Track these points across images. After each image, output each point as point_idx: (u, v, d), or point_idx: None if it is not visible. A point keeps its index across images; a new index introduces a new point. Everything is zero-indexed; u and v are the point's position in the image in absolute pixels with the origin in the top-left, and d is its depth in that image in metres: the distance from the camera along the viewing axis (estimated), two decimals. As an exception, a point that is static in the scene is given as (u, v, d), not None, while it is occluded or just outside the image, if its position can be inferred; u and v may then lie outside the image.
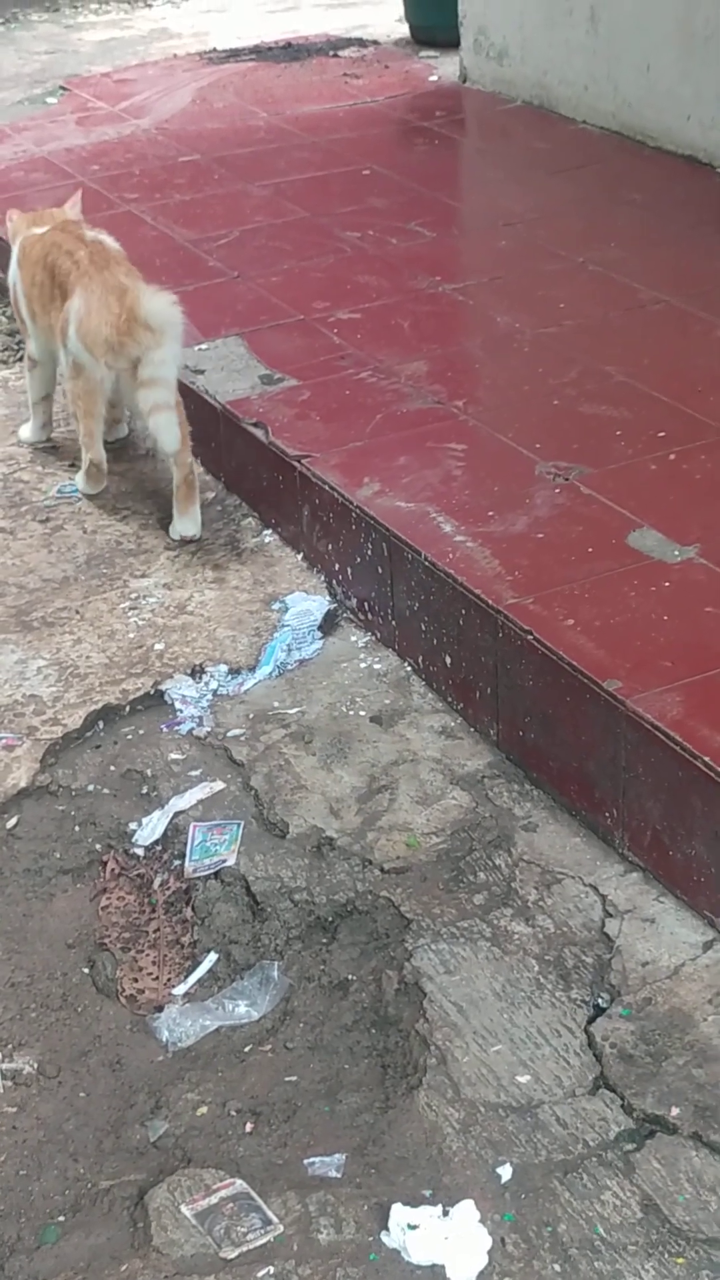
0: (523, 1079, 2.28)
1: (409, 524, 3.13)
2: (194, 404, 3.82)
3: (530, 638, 2.75)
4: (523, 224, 4.76)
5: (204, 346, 4.00)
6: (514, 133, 5.65)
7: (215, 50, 7.26)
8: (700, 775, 2.41)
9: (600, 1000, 2.41)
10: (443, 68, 6.44)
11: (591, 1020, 2.38)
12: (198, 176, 5.34)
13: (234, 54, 7.04)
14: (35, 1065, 2.44)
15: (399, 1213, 2.09)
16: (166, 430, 3.51)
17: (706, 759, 2.40)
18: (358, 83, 6.36)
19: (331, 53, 6.86)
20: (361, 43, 7.04)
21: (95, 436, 3.69)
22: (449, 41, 6.34)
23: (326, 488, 3.32)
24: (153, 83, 6.60)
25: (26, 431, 4.11)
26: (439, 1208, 2.09)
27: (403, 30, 7.13)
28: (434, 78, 6.38)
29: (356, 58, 6.80)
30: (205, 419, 3.79)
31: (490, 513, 3.14)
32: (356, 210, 4.90)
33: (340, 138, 5.65)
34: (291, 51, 6.91)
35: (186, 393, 3.83)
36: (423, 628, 3.08)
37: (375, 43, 7.06)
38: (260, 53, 6.98)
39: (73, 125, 6.06)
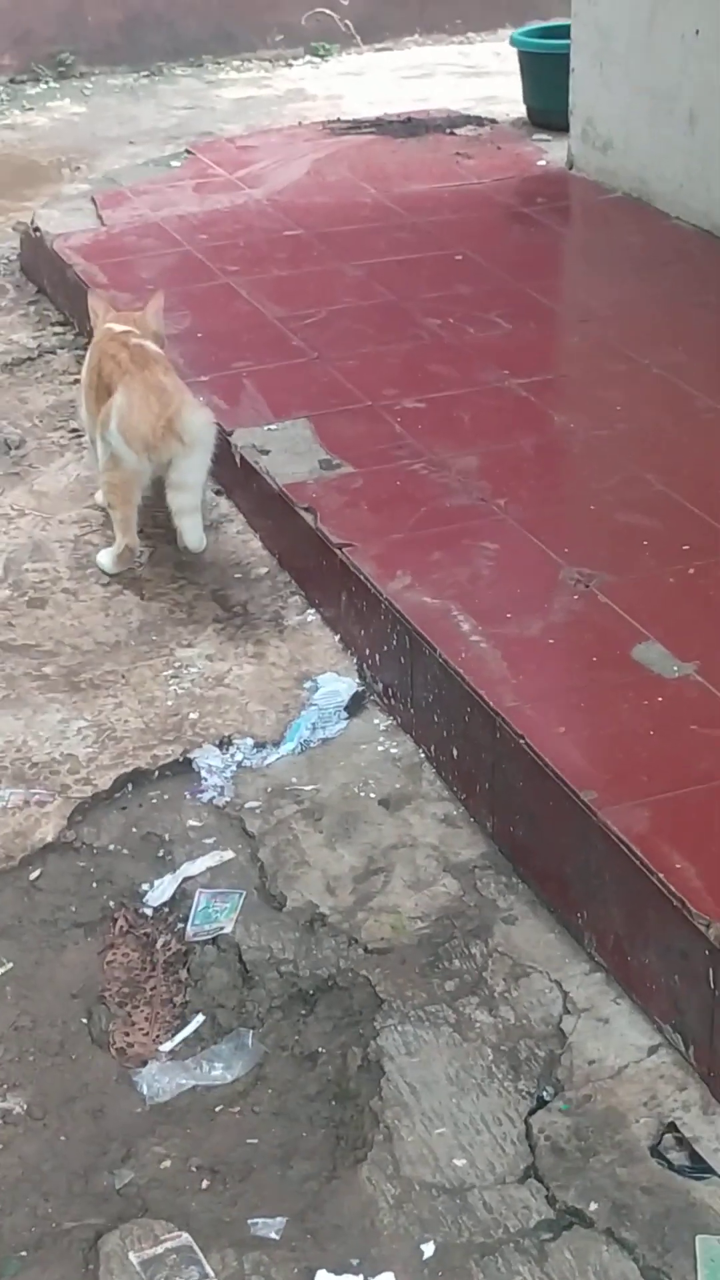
0: (459, 1162, 2.45)
1: (430, 620, 3.31)
2: (255, 483, 4.05)
3: (522, 742, 2.92)
4: (598, 320, 4.93)
5: (273, 427, 4.22)
6: (609, 224, 5.82)
7: (339, 120, 7.51)
8: (655, 891, 2.57)
9: (545, 1093, 2.56)
10: (553, 152, 6.63)
11: (533, 1112, 2.53)
12: (298, 252, 5.57)
13: (355, 125, 7.28)
14: (25, 1106, 2.64)
15: (324, 1278, 2.26)
16: (190, 533, 3.93)
17: (661, 876, 2.56)
18: (468, 163, 6.56)
19: (448, 130, 7.07)
20: (479, 121, 7.24)
21: (130, 523, 3.96)
22: (562, 126, 6.52)
23: (362, 577, 3.51)
24: (273, 151, 6.85)
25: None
26: (361, 1277, 2.27)
27: (524, 108, 7.33)
28: (542, 162, 6.57)
29: (472, 136, 7.00)
30: (265, 497, 4.01)
31: (508, 614, 3.32)
32: (442, 297, 5.09)
33: (441, 220, 5.85)
34: (410, 127, 7.13)
35: (249, 470, 4.05)
36: (436, 718, 3.27)
37: (493, 121, 7.26)
38: (380, 126, 7.21)
39: (190, 191, 6.32)
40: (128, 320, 4.10)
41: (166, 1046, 2.75)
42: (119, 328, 4.04)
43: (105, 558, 4.03)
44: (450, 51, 9.86)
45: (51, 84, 9.30)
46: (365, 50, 9.89)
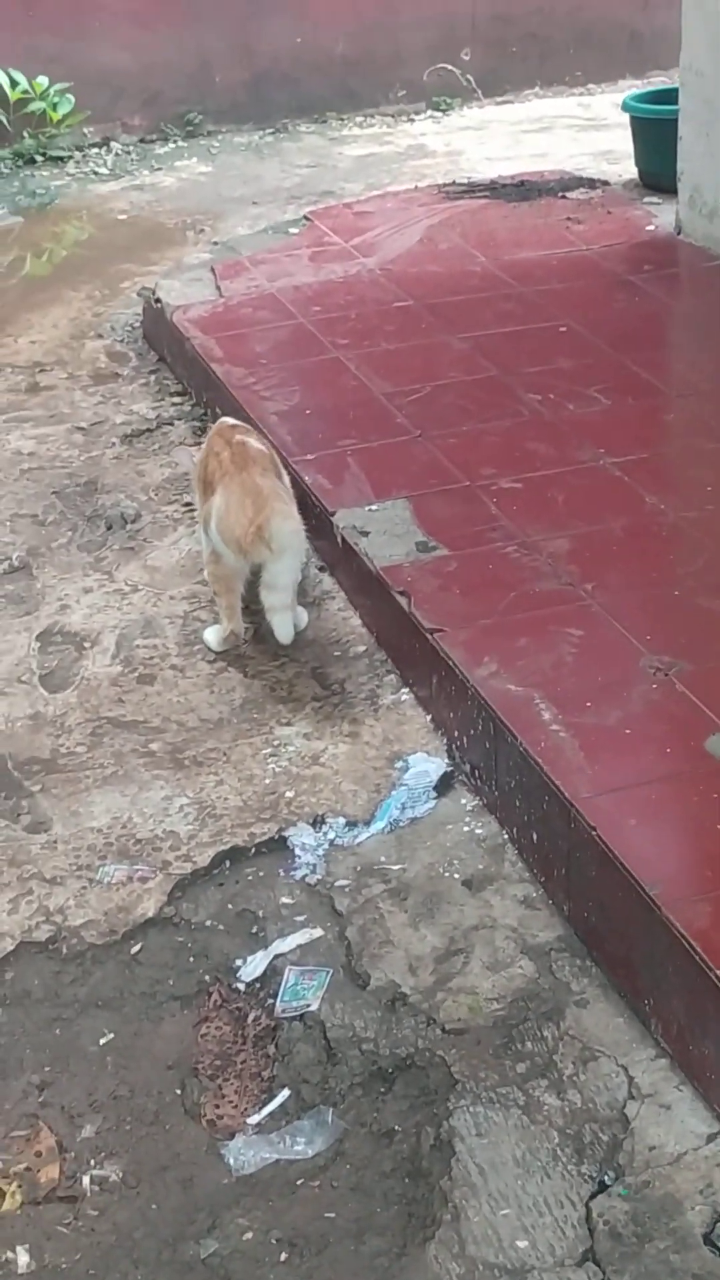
0: (522, 1244, 2.60)
1: (513, 708, 3.46)
2: (355, 563, 4.22)
3: (595, 834, 3.06)
4: (696, 395, 5.05)
5: (374, 508, 4.39)
6: (713, 293, 5.92)
7: (454, 184, 7.67)
8: (713, 986, 2.69)
9: (606, 1178, 2.70)
10: (662, 216, 6.74)
11: (594, 1196, 2.67)
12: (406, 324, 5.74)
13: (470, 189, 7.44)
14: (120, 1174, 2.83)
15: None
16: (281, 629, 4.08)
17: (719, 973, 2.69)
18: (578, 228, 6.69)
19: (561, 193, 7.20)
20: (592, 184, 7.37)
21: (234, 610, 4.18)
22: (673, 189, 6.62)
23: (451, 662, 3.67)
24: (388, 217, 7.03)
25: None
26: None
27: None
28: (651, 227, 6.68)
29: (583, 200, 7.13)
30: (364, 578, 4.19)
31: (588, 703, 3.46)
32: (543, 371, 5.23)
33: (547, 289, 5.99)
34: (523, 190, 7.28)
35: (350, 550, 4.23)
36: (517, 803, 3.42)
37: (605, 183, 7.39)
38: (495, 190, 7.37)
39: (305, 261, 6.52)
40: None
41: (254, 1119, 2.92)
42: (231, 420, 4.21)
43: (211, 637, 4.23)
44: (570, 104, 9.99)
45: (180, 143, 9.57)
46: (486, 104, 10.06)
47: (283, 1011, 3.13)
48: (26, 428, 5.66)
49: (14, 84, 9.04)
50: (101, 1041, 3.11)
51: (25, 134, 9.17)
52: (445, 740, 3.78)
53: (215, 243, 7.51)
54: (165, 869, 3.49)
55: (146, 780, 3.76)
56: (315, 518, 4.41)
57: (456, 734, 3.71)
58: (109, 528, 4.87)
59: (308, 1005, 3.12)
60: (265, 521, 3.93)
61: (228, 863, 3.52)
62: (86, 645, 4.29)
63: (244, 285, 6.27)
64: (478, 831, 3.55)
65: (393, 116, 9.93)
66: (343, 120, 9.90)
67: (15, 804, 3.70)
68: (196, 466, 4.36)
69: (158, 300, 6.24)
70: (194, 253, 7.37)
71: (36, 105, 9.10)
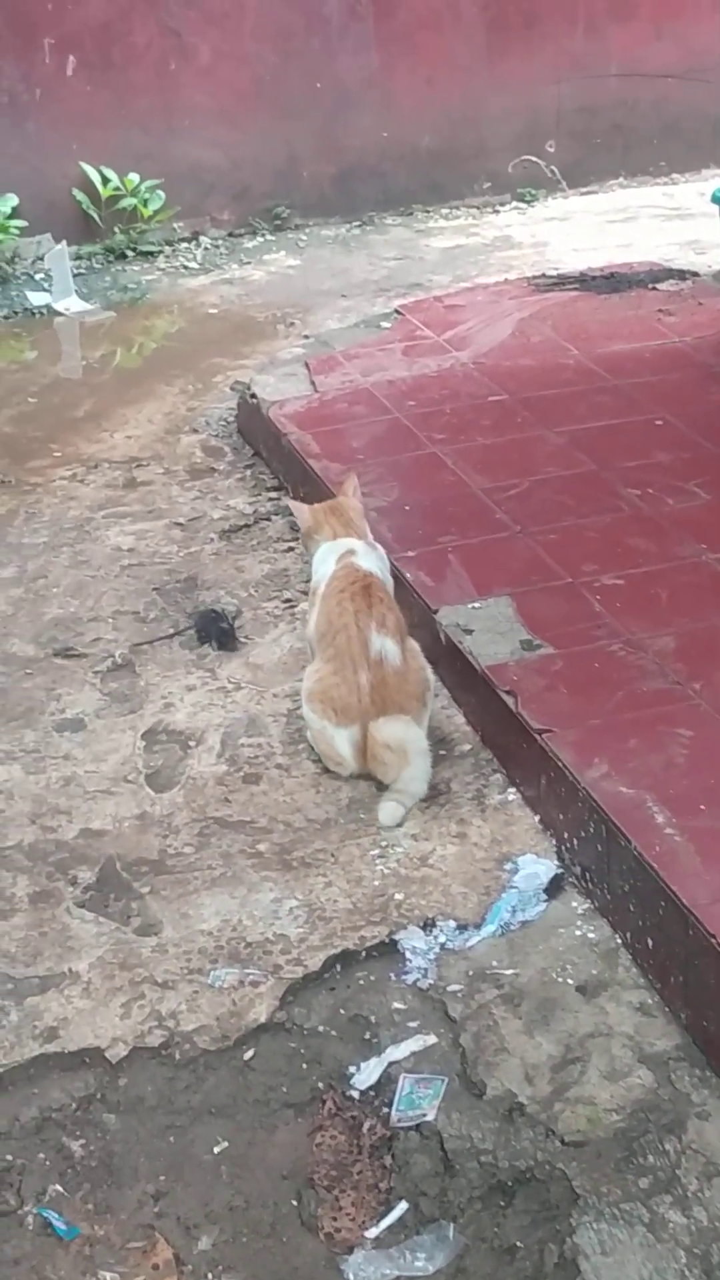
0: None
1: (625, 811, 3.44)
2: (459, 661, 4.22)
3: (714, 941, 3.02)
4: None
5: (476, 605, 4.40)
6: None
7: (543, 276, 7.73)
8: None
9: (735, 1299, 2.65)
10: (753, 306, 6.76)
11: (723, 1317, 2.62)
12: (502, 419, 5.77)
13: (560, 282, 7.49)
14: (238, 1288, 2.81)
15: None
16: (389, 811, 3.95)
17: None
18: (669, 320, 6.72)
19: (651, 285, 7.24)
20: (681, 275, 7.40)
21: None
22: (764, 278, 6.65)
23: (561, 764, 3.66)
24: (479, 310, 7.09)
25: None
26: None
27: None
28: (743, 317, 6.70)
29: (673, 291, 7.16)
30: (468, 676, 4.19)
31: (701, 805, 3.43)
32: (641, 465, 5.24)
33: (641, 382, 6.01)
34: (613, 283, 7.32)
35: (454, 648, 4.23)
36: (631, 907, 3.38)
37: (695, 274, 7.42)
38: (584, 282, 7.41)
39: (399, 355, 6.57)
40: (336, 515, 4.34)
41: (372, 1233, 2.89)
42: (363, 566, 4.17)
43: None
44: (654, 193, 10.05)
45: (268, 236, 9.70)
46: (570, 194, 10.14)
47: (398, 1121, 3.10)
48: (125, 523, 5.72)
49: (106, 181, 9.20)
50: (216, 1150, 3.09)
51: (116, 229, 9.32)
52: (555, 842, 3.76)
53: (306, 336, 7.61)
54: (276, 973, 3.48)
55: (255, 882, 3.75)
56: (417, 614, 4.41)
57: (566, 836, 3.69)
58: (208, 628, 4.88)
59: (424, 1115, 3.09)
60: (374, 730, 3.99)
61: (338, 966, 3.50)
62: (191, 744, 4.30)
63: (338, 380, 6.32)
64: (590, 936, 3.51)
65: (478, 208, 10.03)
66: (428, 212, 10.00)
67: (125, 906, 3.71)
68: (320, 588, 4.24)
69: (252, 395, 6.31)
70: (285, 346, 7.46)
71: (128, 201, 9.25)
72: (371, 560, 4.25)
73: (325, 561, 4.25)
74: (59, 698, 4.58)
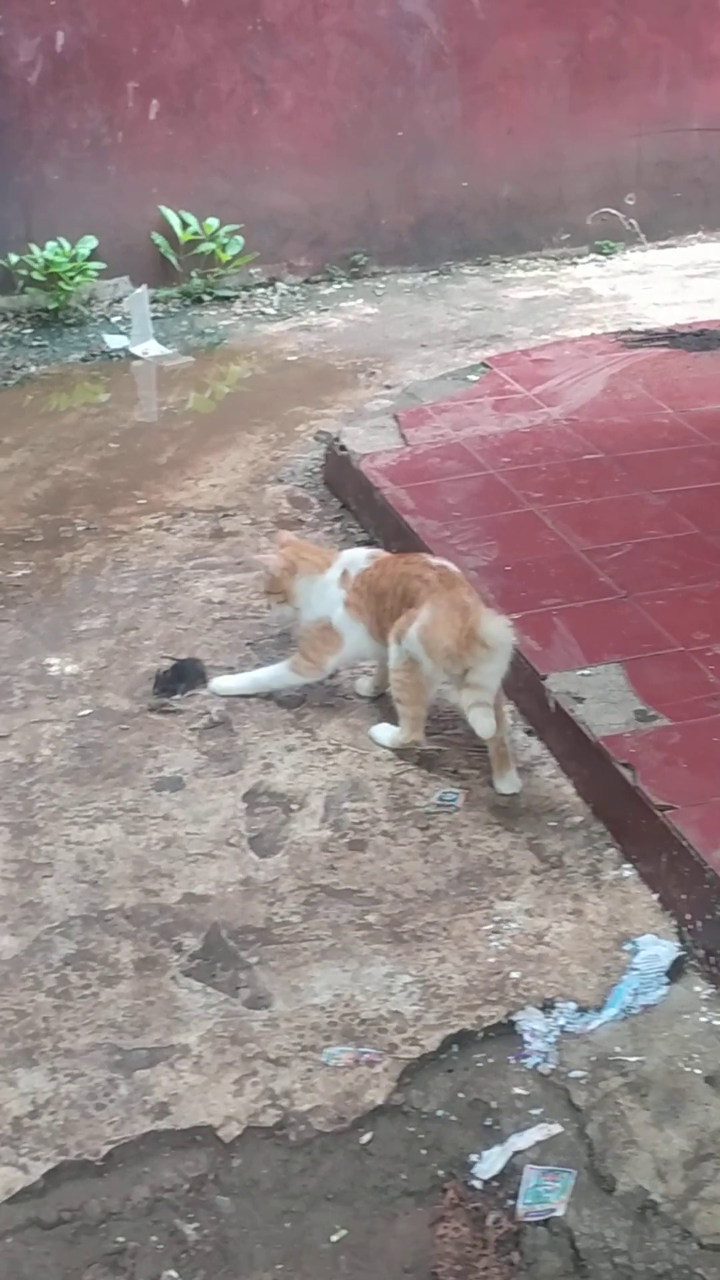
0: None
1: (757, 896, 3.33)
2: (570, 730, 4.13)
3: None
4: None
5: (586, 672, 4.31)
6: None
7: (630, 332, 7.66)
8: None
9: None
10: None
11: None
12: (599, 478, 5.68)
13: (648, 338, 7.41)
14: None
15: None
16: (480, 721, 4.09)
17: None
18: (763, 380, 6.63)
19: (741, 343, 7.16)
20: (772, 331, 7.33)
21: (420, 721, 4.32)
22: None
23: (685, 843, 3.56)
24: (568, 365, 7.01)
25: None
26: None
27: None
28: None
29: (765, 350, 7.08)
30: (579, 745, 4.10)
31: None
32: (746, 529, 5.15)
33: (739, 443, 5.92)
34: (703, 340, 7.24)
35: (564, 716, 4.14)
36: (762, 996, 3.28)
37: (785, 333, 7.35)
38: (674, 339, 7.33)
39: (489, 410, 6.50)
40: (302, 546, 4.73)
41: (501, 1333, 2.78)
42: (434, 560, 4.41)
43: (384, 735, 4.40)
44: (734, 248, 9.99)
45: (345, 284, 9.66)
46: (649, 247, 10.07)
47: (525, 1215, 2.99)
48: (215, 575, 5.65)
49: (185, 225, 9.18)
50: (334, 1239, 2.99)
51: (193, 274, 9.29)
52: (675, 922, 3.66)
53: (388, 386, 7.56)
54: (392, 1052, 3.38)
55: (366, 955, 3.66)
56: (523, 680, 4.33)
57: (689, 917, 3.58)
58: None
59: (552, 1210, 2.99)
60: (476, 623, 4.04)
61: (455, 1047, 3.40)
62: (294, 807, 4.22)
63: (429, 434, 6.25)
64: (715, 1023, 3.41)
65: (555, 259, 9.97)
66: (505, 263, 9.95)
67: (233, 976, 3.62)
68: (381, 598, 4.43)
69: (341, 447, 6.24)
70: (367, 396, 7.41)
71: (206, 246, 9.23)
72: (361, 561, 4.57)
73: (324, 595, 4.54)
74: (156, 754, 4.50)
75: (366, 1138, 3.19)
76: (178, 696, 4.77)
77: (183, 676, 4.81)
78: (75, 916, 3.83)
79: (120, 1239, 3.00)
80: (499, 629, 4.07)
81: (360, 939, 3.72)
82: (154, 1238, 3.01)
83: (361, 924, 3.78)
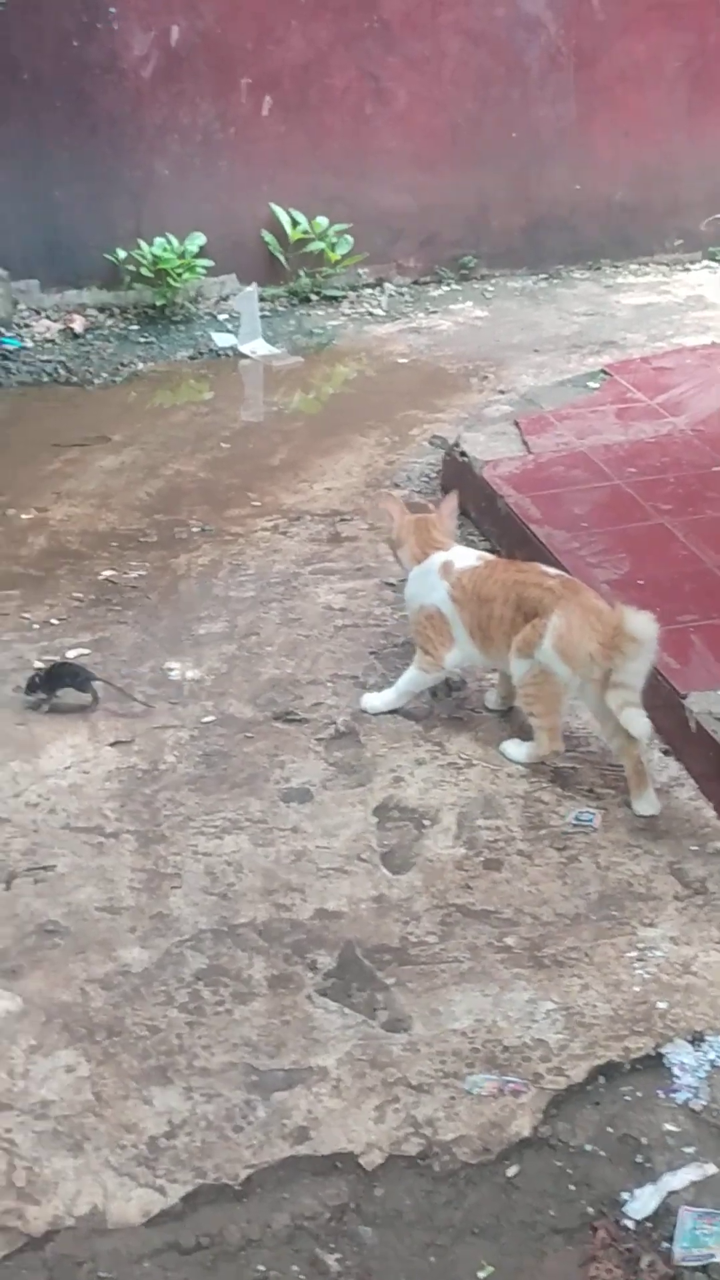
0: None
1: None
2: (713, 752, 4.03)
3: None
4: None
5: (728, 691, 4.19)
6: None
7: (752, 340, 7.52)
8: None
9: None
10: None
11: None
12: (730, 491, 5.56)
13: (770, 347, 7.27)
14: None
15: None
16: (636, 720, 4.00)
17: None
18: None
19: None
20: None
21: (557, 732, 4.24)
22: None
23: None
24: (690, 374, 6.88)
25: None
26: None
27: None
28: None
29: None
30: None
31: None
32: None
33: None
34: None
35: (706, 738, 4.03)
36: None
37: None
38: None
39: (612, 418, 6.38)
40: (427, 523, 4.60)
41: None
42: (551, 570, 4.37)
43: (519, 753, 4.32)
44: None
45: (453, 285, 9.57)
46: (764, 254, 9.91)
47: (682, 1260, 2.88)
48: (334, 580, 5.56)
49: (295, 223, 9.11)
50: (481, 1275, 2.90)
51: (301, 273, 9.22)
52: None
53: (501, 391, 7.47)
54: (537, 1082, 3.28)
55: (507, 979, 3.56)
56: (662, 698, 4.21)
57: None
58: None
59: (711, 1255, 2.88)
60: (621, 621, 3.97)
61: (602, 1079, 3.29)
62: (426, 823, 4.12)
63: (552, 441, 6.14)
64: None
65: (668, 265, 9.84)
66: (616, 267, 9.84)
67: (370, 997, 3.53)
68: (487, 605, 4.36)
69: (462, 453, 6.14)
70: (481, 400, 7.33)
71: (315, 245, 9.17)
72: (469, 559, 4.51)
73: (423, 580, 4.51)
74: (282, 765, 4.42)
75: (513, 1171, 3.09)
76: (47, 699, 4.68)
77: (58, 680, 4.70)
78: (206, 930, 3.75)
79: (261, 1267, 2.92)
80: (644, 623, 3.98)
81: (500, 962, 3.62)
82: (295, 1267, 2.92)
83: (500, 946, 3.68)
